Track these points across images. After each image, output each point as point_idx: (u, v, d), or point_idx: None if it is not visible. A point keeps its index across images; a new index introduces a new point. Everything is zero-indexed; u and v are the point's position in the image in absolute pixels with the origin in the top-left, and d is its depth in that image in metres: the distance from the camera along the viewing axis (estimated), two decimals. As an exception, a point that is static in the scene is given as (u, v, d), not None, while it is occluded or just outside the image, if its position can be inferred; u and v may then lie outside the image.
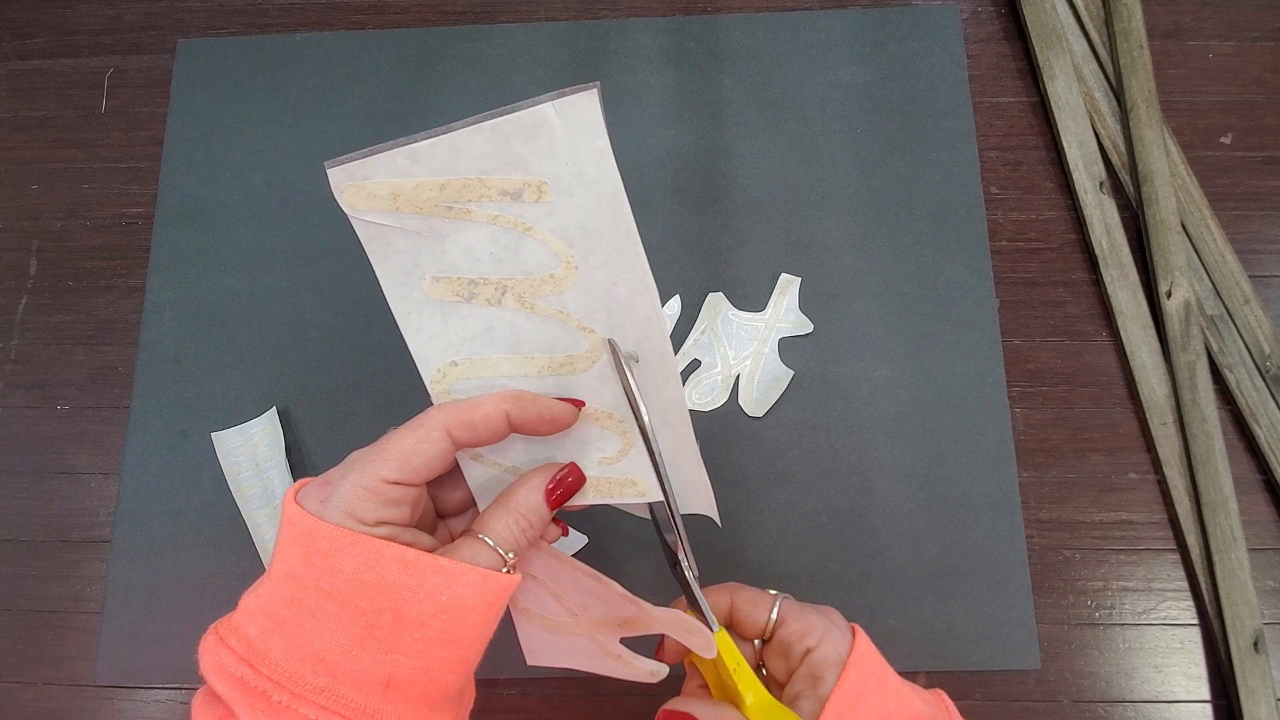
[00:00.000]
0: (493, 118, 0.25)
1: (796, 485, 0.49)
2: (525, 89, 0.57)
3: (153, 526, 0.50)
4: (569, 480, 0.28)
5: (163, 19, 0.60)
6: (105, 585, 0.49)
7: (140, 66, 0.59)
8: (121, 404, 0.53)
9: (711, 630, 0.30)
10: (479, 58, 0.58)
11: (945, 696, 0.32)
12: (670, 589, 0.31)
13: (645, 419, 0.27)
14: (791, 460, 0.49)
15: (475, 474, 0.29)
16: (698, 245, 0.53)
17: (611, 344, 0.27)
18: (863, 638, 0.30)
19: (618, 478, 0.29)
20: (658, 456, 0.28)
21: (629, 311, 0.27)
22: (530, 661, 0.32)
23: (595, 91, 0.25)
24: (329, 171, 0.26)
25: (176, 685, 0.48)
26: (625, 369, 0.27)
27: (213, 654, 0.24)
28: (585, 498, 0.29)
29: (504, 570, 0.26)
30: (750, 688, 0.29)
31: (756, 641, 0.32)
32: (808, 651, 0.29)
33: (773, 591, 0.32)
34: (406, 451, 0.25)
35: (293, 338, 0.53)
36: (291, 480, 0.49)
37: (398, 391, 0.51)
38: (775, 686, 0.31)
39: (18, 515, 0.52)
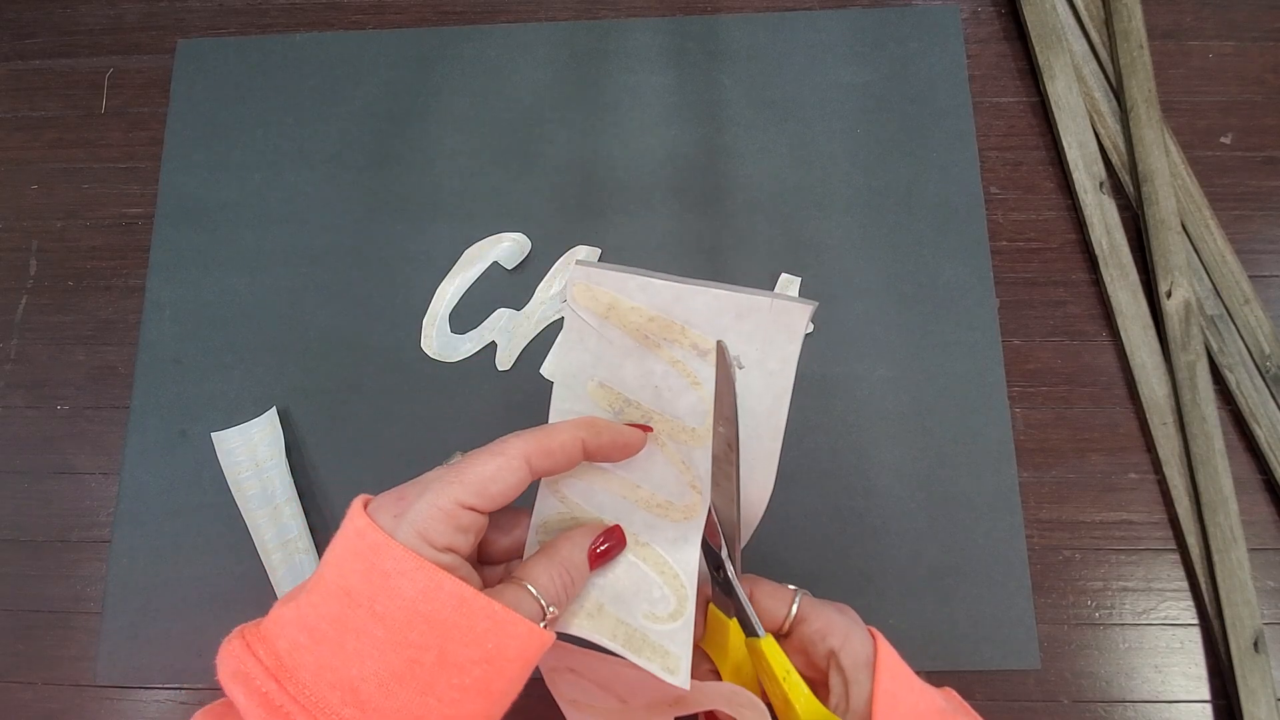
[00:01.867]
0: (721, 288, 0.28)
1: (797, 485, 0.49)
2: (525, 89, 0.57)
3: (153, 526, 0.50)
4: (611, 543, 0.28)
5: (163, 19, 0.60)
6: (105, 585, 0.49)
7: (140, 66, 0.59)
8: (121, 404, 0.53)
9: (759, 635, 0.30)
10: (479, 58, 0.58)
11: (955, 694, 0.32)
12: None
13: (736, 433, 0.28)
14: (792, 460, 0.49)
15: (545, 509, 0.30)
16: (698, 245, 0.53)
17: (720, 346, 0.28)
18: (883, 640, 0.30)
19: (654, 641, 0.29)
20: (738, 477, 0.29)
21: (745, 495, 0.29)
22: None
23: (810, 308, 0.28)
24: (575, 268, 0.28)
25: (176, 685, 0.48)
26: (731, 374, 0.28)
27: (236, 661, 0.23)
28: (615, 641, 0.29)
29: (542, 624, 0.25)
30: (799, 696, 0.29)
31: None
32: (831, 652, 0.30)
33: (791, 586, 0.32)
34: (486, 477, 0.25)
35: (293, 338, 0.53)
36: (291, 480, 0.49)
37: (398, 392, 0.51)
38: None
39: (18, 515, 0.52)
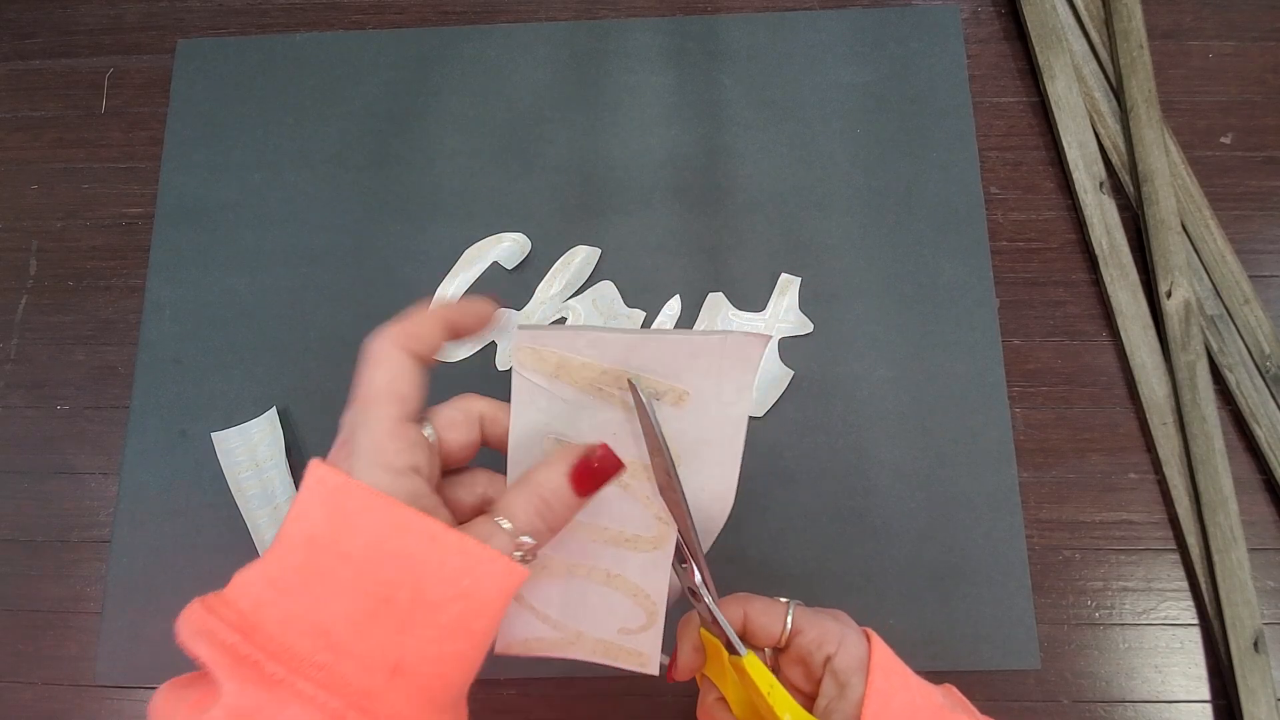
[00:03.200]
0: (668, 335, 0.28)
1: (797, 485, 0.49)
2: (525, 89, 0.57)
3: (153, 526, 0.50)
4: (599, 465, 0.26)
5: (163, 19, 0.60)
6: (105, 585, 0.49)
7: (140, 66, 0.59)
8: (121, 404, 0.53)
9: (740, 654, 0.30)
10: (479, 58, 0.58)
11: (955, 690, 0.32)
12: (679, 609, 0.31)
13: (670, 463, 0.28)
14: (791, 460, 0.49)
15: (520, 424, 0.29)
16: (698, 245, 0.53)
17: (631, 384, 0.28)
18: (878, 639, 0.30)
19: (630, 648, 0.31)
20: (685, 501, 0.29)
21: (704, 511, 0.30)
22: (500, 650, 0.31)
23: (765, 341, 0.28)
24: (519, 331, 0.28)
25: (176, 685, 0.48)
26: (649, 409, 0.28)
27: (195, 619, 0.22)
28: (593, 656, 0.30)
29: (518, 555, 0.24)
30: (787, 709, 0.29)
31: (767, 650, 0.32)
32: (828, 659, 0.30)
33: (784, 599, 0.32)
34: (442, 422, 0.26)
35: (293, 338, 0.53)
36: (291, 480, 0.49)
37: (398, 391, 0.51)
38: (796, 695, 0.31)
39: (18, 515, 0.52)
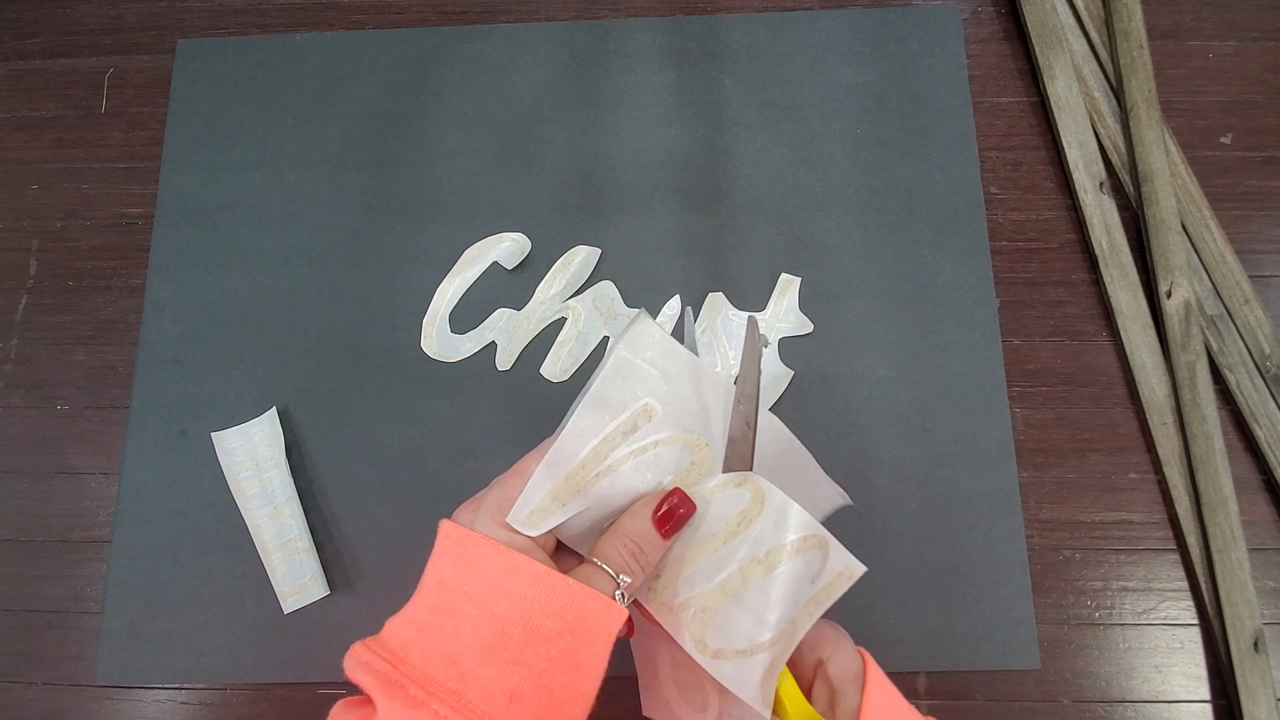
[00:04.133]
0: (587, 393, 0.30)
1: (796, 485, 0.49)
2: (525, 89, 0.57)
3: (153, 526, 0.50)
4: (678, 507, 0.29)
5: (163, 19, 0.60)
6: (105, 585, 0.49)
7: (140, 66, 0.59)
8: (121, 404, 0.53)
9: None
10: (479, 58, 0.58)
11: None
12: None
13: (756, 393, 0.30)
14: (791, 460, 0.49)
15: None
16: (698, 245, 0.53)
17: (751, 323, 0.30)
18: (872, 661, 0.31)
19: (831, 581, 0.30)
20: (752, 455, 0.30)
21: (807, 477, 0.32)
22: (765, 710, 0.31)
23: (644, 313, 0.30)
24: (511, 521, 0.28)
25: (176, 685, 0.48)
26: (755, 351, 0.30)
27: (357, 655, 0.26)
28: (816, 616, 0.30)
29: (617, 593, 0.27)
30: (791, 698, 0.29)
31: None
32: (820, 663, 0.30)
33: None
34: (529, 461, 0.29)
35: (293, 338, 0.53)
36: (291, 480, 0.49)
37: (398, 391, 0.51)
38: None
39: (18, 515, 0.52)
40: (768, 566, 0.29)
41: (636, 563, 0.28)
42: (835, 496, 0.34)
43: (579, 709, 0.27)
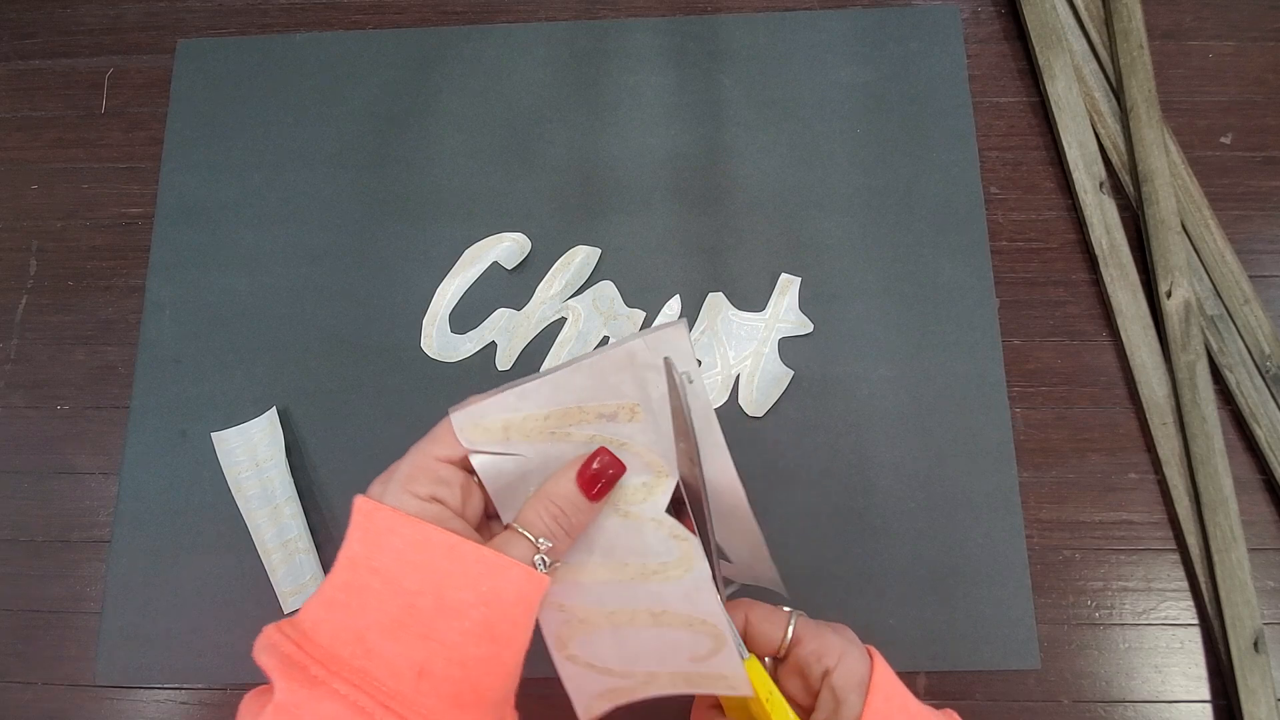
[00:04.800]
0: (590, 357, 0.28)
1: (797, 485, 0.49)
2: (525, 89, 0.57)
3: (153, 526, 0.50)
4: (603, 468, 0.28)
5: (163, 19, 0.60)
6: (105, 585, 0.49)
7: (140, 66, 0.59)
8: (121, 404, 0.53)
9: (743, 657, 0.30)
10: (479, 58, 0.58)
11: (957, 716, 0.31)
12: None
13: (697, 445, 0.28)
14: (791, 460, 0.49)
15: (550, 621, 0.30)
16: (698, 245, 0.53)
17: (667, 362, 0.28)
18: (880, 660, 0.30)
19: (710, 672, 0.30)
20: (704, 491, 0.29)
21: (724, 507, 0.30)
22: (586, 718, 0.31)
23: (684, 324, 0.28)
24: (452, 417, 0.28)
25: (176, 685, 0.48)
26: (680, 389, 0.28)
27: (266, 637, 0.26)
28: (677, 689, 0.30)
29: (537, 558, 0.26)
30: (782, 717, 0.29)
31: (766, 659, 0.31)
32: (827, 672, 0.29)
33: (786, 608, 0.32)
34: (441, 429, 0.28)
35: (293, 338, 0.53)
36: (291, 480, 0.49)
37: (398, 391, 0.51)
38: (793, 706, 0.31)
39: (18, 515, 0.52)
40: (658, 623, 0.29)
41: (559, 526, 0.27)
42: (770, 583, 0.33)
43: (500, 681, 0.26)
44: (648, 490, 0.29)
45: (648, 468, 0.29)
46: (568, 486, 0.27)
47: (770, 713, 0.29)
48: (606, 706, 0.31)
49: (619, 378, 0.28)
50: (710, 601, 0.29)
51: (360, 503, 0.27)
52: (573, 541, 0.28)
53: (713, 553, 0.30)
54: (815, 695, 0.30)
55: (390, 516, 0.26)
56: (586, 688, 0.30)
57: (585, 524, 0.28)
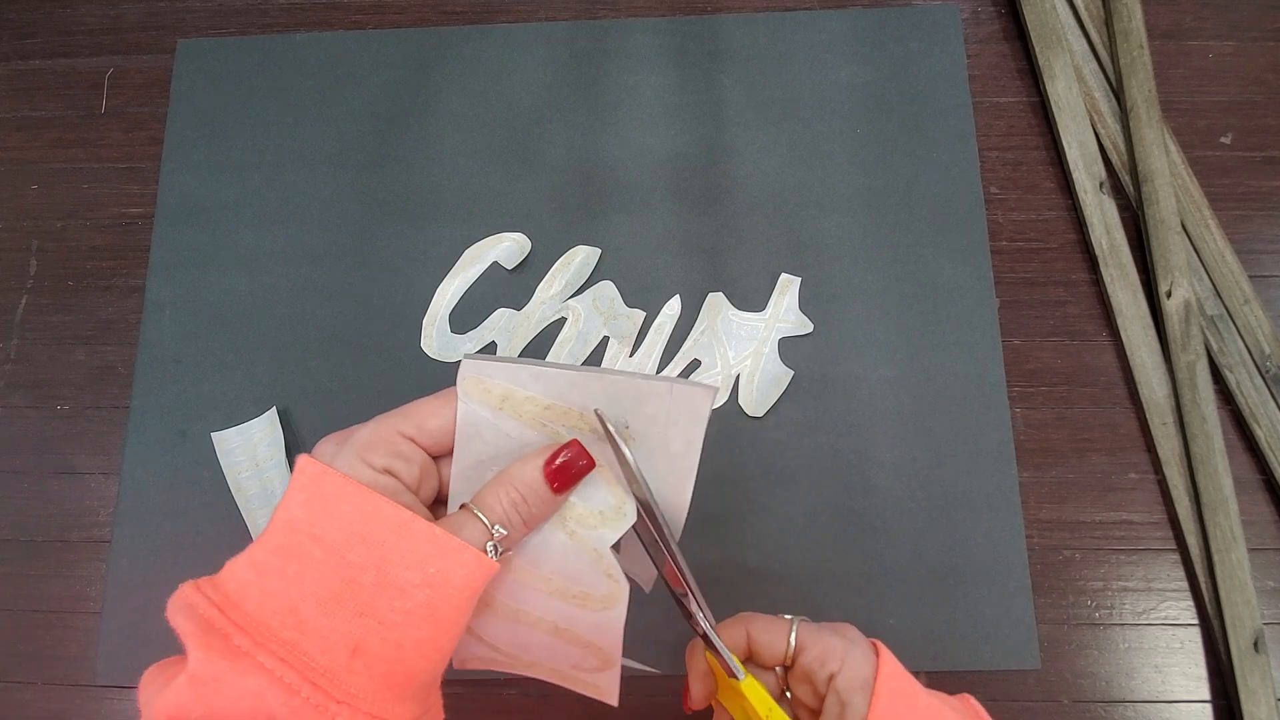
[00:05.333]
0: (615, 374, 0.27)
1: (797, 485, 0.49)
2: (525, 89, 0.57)
3: (153, 526, 0.50)
4: (573, 460, 0.27)
5: (163, 19, 0.60)
6: (105, 585, 0.49)
7: (140, 66, 0.59)
8: (121, 404, 0.53)
9: (739, 678, 0.30)
10: (479, 58, 0.58)
11: (972, 700, 0.31)
12: (685, 634, 0.31)
13: (649, 497, 0.28)
14: (791, 460, 0.49)
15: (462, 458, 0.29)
16: (698, 245, 0.53)
17: (599, 414, 0.27)
18: (886, 655, 0.30)
19: (588, 680, 0.31)
20: (666, 530, 0.28)
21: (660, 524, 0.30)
22: (457, 665, 0.31)
23: (713, 393, 0.27)
24: (464, 362, 0.27)
25: (176, 685, 0.48)
26: (619, 442, 0.27)
27: (183, 596, 0.24)
28: (552, 679, 0.30)
29: (490, 545, 0.25)
30: None
31: (777, 669, 0.31)
32: (831, 677, 0.29)
33: (787, 616, 0.32)
34: (425, 413, 0.26)
35: (293, 338, 0.53)
36: (291, 480, 0.49)
37: (398, 391, 0.51)
38: (806, 713, 0.30)
39: (18, 515, 0.52)
40: (557, 635, 0.29)
41: (518, 513, 0.26)
42: (644, 581, 0.32)
43: (433, 664, 0.25)
44: (601, 520, 0.28)
45: (611, 498, 0.28)
46: (533, 474, 0.26)
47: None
48: (479, 666, 0.31)
49: (631, 406, 0.28)
50: (615, 639, 0.29)
51: (306, 463, 0.25)
52: (528, 532, 0.27)
53: (693, 586, 0.29)
54: (820, 698, 0.30)
55: (340, 483, 0.24)
56: (472, 649, 0.30)
57: (544, 517, 0.27)
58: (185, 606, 0.23)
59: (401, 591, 0.23)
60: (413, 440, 0.26)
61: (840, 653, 0.29)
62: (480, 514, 0.25)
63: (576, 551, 0.28)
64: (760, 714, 0.29)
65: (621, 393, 0.27)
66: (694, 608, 0.30)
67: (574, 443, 0.27)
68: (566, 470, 0.27)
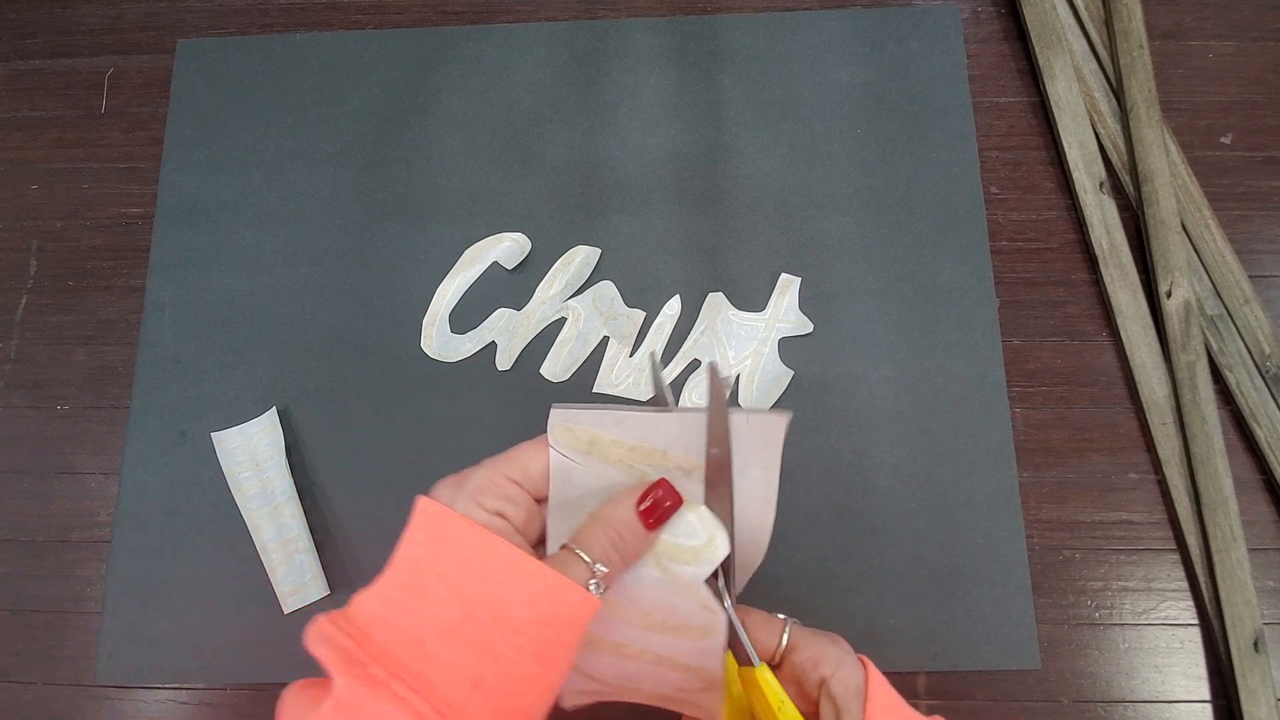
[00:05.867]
0: (693, 413, 0.29)
1: (796, 485, 0.49)
2: (525, 89, 0.57)
3: (153, 526, 0.50)
4: (662, 499, 0.28)
5: (163, 19, 0.60)
6: (105, 585, 0.49)
7: (140, 66, 0.59)
8: (121, 404, 0.53)
9: (755, 664, 0.30)
10: (479, 58, 0.58)
11: None
12: None
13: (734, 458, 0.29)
14: (791, 460, 0.49)
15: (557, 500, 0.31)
16: (698, 245, 0.53)
17: (712, 367, 0.30)
18: (874, 670, 0.30)
19: (694, 701, 0.31)
20: (731, 499, 0.30)
21: (748, 559, 0.31)
22: (567, 704, 0.32)
23: (788, 418, 0.29)
24: (552, 412, 0.29)
25: (176, 685, 0.48)
26: (722, 396, 0.29)
27: (320, 628, 0.25)
28: (656, 702, 0.31)
29: (593, 582, 0.27)
30: None
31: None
32: (823, 681, 0.30)
33: (781, 615, 0.32)
34: (527, 459, 0.29)
35: (293, 338, 0.53)
36: (291, 480, 0.49)
37: (398, 391, 0.51)
38: None
39: (18, 515, 0.52)
40: (659, 664, 0.30)
41: (616, 552, 0.28)
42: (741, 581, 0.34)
43: (543, 699, 0.26)
44: (694, 555, 0.29)
45: (702, 532, 0.29)
46: (626, 513, 0.28)
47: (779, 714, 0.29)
48: (586, 701, 0.32)
49: (705, 438, 0.29)
50: (716, 663, 0.30)
51: (426, 504, 0.27)
52: (626, 568, 0.28)
53: (731, 566, 0.30)
54: (811, 702, 0.30)
55: (459, 523, 0.26)
56: (572, 684, 0.31)
57: (639, 552, 0.29)
58: (324, 637, 0.25)
59: (516, 628, 0.25)
60: (519, 484, 0.28)
61: (834, 658, 0.30)
62: (581, 553, 0.27)
63: (671, 586, 0.29)
64: (772, 705, 0.29)
65: (699, 429, 0.29)
66: (721, 587, 0.31)
67: (662, 481, 0.29)
68: (657, 508, 0.28)
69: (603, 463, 0.29)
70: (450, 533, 0.26)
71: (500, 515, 0.27)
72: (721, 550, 0.29)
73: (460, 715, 0.24)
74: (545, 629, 0.25)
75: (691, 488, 0.29)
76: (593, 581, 0.27)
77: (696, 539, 0.29)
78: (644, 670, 0.30)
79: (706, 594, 0.29)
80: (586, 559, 0.27)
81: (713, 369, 0.29)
